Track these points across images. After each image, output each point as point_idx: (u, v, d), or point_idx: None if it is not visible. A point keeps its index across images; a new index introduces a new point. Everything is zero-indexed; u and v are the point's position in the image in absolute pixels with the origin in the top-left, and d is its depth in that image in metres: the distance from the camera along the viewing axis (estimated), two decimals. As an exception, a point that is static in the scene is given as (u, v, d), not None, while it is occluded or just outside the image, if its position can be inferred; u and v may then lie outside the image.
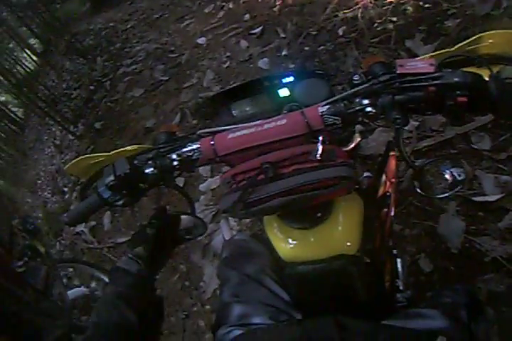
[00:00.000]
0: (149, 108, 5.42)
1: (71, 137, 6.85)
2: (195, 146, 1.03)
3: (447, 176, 0.95)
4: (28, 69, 10.81)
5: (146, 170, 1.04)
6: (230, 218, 3.38)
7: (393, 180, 1.35)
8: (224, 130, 1.02)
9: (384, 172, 1.37)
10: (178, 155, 1.04)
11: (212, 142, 0.99)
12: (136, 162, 1.06)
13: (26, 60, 13.37)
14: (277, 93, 1.09)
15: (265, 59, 4.42)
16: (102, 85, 6.91)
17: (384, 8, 3.58)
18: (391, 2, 3.56)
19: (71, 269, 4.35)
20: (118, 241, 4.43)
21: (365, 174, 2.01)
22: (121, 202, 1.04)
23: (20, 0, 11.66)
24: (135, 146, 1.16)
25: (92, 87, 7.16)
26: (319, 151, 0.88)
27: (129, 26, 8.43)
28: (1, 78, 8.83)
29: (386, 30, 3.49)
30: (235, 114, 1.13)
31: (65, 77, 8.75)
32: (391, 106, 0.87)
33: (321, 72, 1.09)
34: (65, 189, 6.82)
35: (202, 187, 3.84)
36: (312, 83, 1.06)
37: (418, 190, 0.98)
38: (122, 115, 5.84)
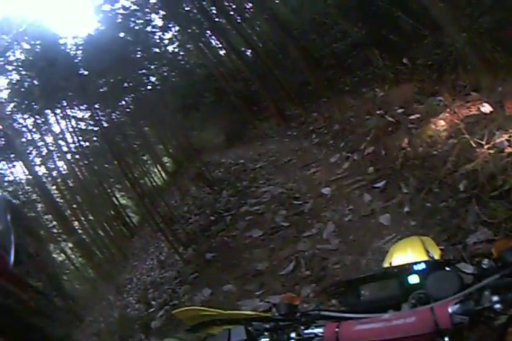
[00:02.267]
0: (264, 251, 5.49)
1: (177, 258, 7.14)
2: (318, 331, 0.98)
3: None
4: (154, 184, 11.79)
5: None
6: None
7: None
8: (349, 318, 0.99)
9: None
10: (298, 335, 1.00)
11: (337, 329, 0.94)
12: (251, 329, 1.04)
13: (155, 175, 14.71)
14: (407, 279, 1.08)
15: (387, 215, 4.39)
16: (223, 218, 7.25)
17: (503, 160, 3.50)
18: (510, 154, 3.48)
19: None
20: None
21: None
22: None
23: (159, 119, 13.34)
24: (253, 313, 1.14)
25: (212, 218, 7.56)
26: None
27: (257, 166, 9.09)
28: (128, 184, 9.73)
29: (506, 182, 3.36)
30: (361, 297, 1.11)
31: (187, 201, 9.40)
32: None
33: (453, 262, 1.07)
34: (153, 302, 6.96)
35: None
36: (443, 275, 1.02)
37: None
38: (236, 252, 5.98)
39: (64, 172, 19.44)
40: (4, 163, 18.51)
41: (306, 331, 1.00)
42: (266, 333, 1.03)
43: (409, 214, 4.15)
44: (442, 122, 4.75)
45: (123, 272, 10.54)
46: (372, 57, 7.60)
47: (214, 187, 8.78)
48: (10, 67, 14.76)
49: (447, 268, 1.05)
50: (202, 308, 1.16)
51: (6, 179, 20.02)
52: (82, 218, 18.18)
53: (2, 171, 19.15)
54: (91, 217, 17.04)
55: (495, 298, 0.86)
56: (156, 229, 8.25)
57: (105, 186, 16.43)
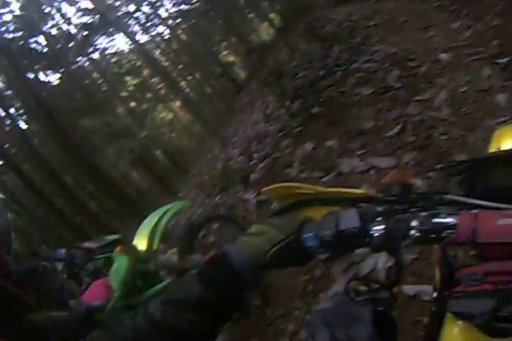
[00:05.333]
0: (372, 110, 5.35)
1: (283, 111, 7.21)
2: (449, 220, 0.79)
3: None
4: (262, 40, 11.61)
5: (373, 231, 0.84)
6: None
7: None
8: (489, 207, 0.80)
9: None
10: (421, 224, 0.80)
11: (473, 223, 0.75)
12: (361, 213, 0.87)
13: (262, 32, 14.47)
14: None
15: (504, 95, 4.06)
16: (332, 74, 7.07)
17: None
18: None
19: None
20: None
21: None
22: (323, 256, 0.95)
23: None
24: (358, 191, 0.95)
25: (321, 73, 7.38)
26: None
27: (371, 24, 8.55)
28: (235, 41, 9.67)
29: None
30: (490, 181, 0.91)
31: (296, 56, 9.20)
32: None
33: None
34: (255, 155, 7.18)
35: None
36: None
37: None
38: (342, 108, 5.88)
39: (166, 37, 19.67)
40: (104, 37, 19.02)
41: (432, 220, 0.80)
42: (379, 219, 0.86)
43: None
44: None
45: (229, 126, 11.01)
46: None
47: (324, 42, 8.44)
48: None
49: None
50: (296, 185, 1.01)
51: (108, 52, 20.88)
52: (189, 77, 18.75)
53: (104, 45, 19.85)
54: (197, 76, 17.51)
55: None
56: (264, 84, 8.30)
57: (210, 45, 16.47)
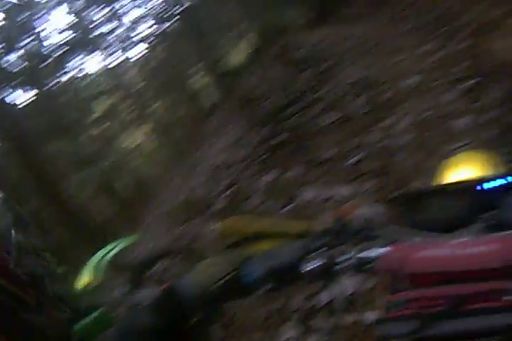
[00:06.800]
0: (335, 137, 5.32)
1: (250, 139, 7.07)
2: (372, 254, 0.81)
3: None
4: (234, 63, 11.58)
5: (306, 265, 0.86)
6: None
7: None
8: (411, 239, 0.83)
9: None
10: (349, 258, 0.84)
11: (395, 253, 0.78)
12: (294, 248, 0.91)
13: (235, 55, 14.50)
14: (480, 197, 0.90)
15: (465, 119, 4.09)
16: (298, 100, 7.03)
17: None
18: None
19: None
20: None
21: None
22: (262, 289, 0.94)
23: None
24: (302, 224, 1.01)
25: (288, 99, 7.31)
26: None
27: (342, 49, 8.42)
28: (207, 64, 9.52)
29: None
30: (424, 213, 0.94)
31: (266, 81, 9.13)
32: None
33: None
34: (218, 184, 6.83)
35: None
36: None
37: None
38: (307, 136, 5.84)
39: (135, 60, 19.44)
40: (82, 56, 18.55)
41: (359, 254, 0.84)
42: (312, 254, 0.88)
43: (490, 124, 3.84)
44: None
45: (195, 153, 10.83)
46: None
47: (295, 67, 8.38)
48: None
49: None
50: (247, 218, 1.07)
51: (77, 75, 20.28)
52: (157, 104, 18.53)
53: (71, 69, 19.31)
54: (166, 102, 17.40)
55: None
56: (232, 109, 8.18)
57: (180, 69, 16.35)
